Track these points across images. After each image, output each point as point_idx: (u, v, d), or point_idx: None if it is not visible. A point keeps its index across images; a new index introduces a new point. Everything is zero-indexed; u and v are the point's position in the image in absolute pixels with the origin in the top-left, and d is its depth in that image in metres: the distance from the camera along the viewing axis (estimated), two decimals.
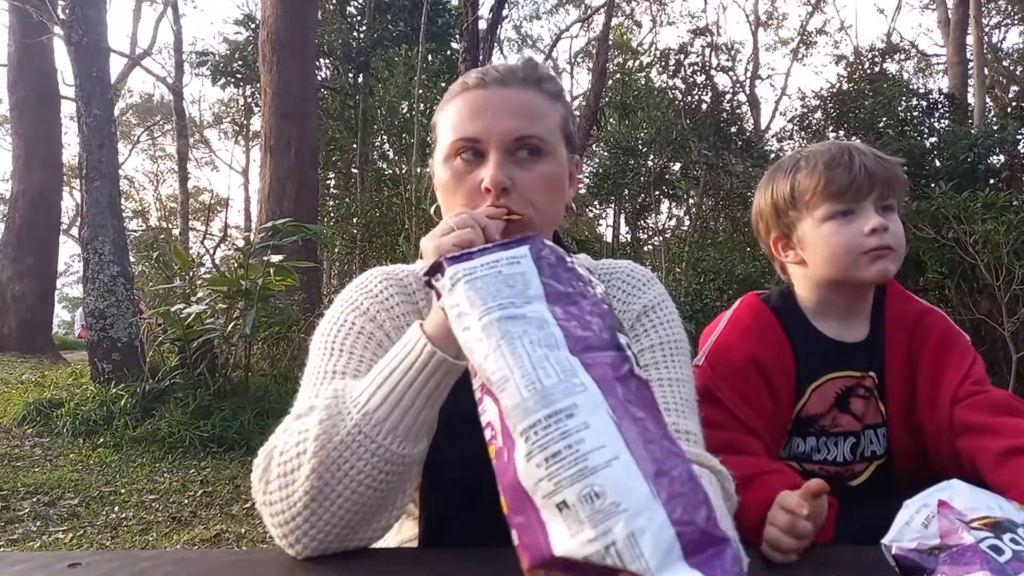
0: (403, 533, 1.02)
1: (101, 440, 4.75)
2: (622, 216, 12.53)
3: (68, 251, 23.53)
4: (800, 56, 20.85)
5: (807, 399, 1.16)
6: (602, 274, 0.99)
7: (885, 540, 0.75)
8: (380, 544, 1.01)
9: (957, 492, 0.76)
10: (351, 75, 12.52)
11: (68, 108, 14.32)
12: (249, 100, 14.63)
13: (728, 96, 11.48)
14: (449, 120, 0.89)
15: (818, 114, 9.90)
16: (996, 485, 0.94)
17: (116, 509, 3.58)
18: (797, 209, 1.14)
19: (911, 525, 0.74)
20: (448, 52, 12.13)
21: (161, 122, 25.32)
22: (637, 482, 0.42)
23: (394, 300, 0.94)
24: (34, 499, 3.67)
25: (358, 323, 0.90)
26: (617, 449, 0.43)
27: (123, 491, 3.85)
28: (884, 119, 8.73)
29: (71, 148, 13.97)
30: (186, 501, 3.74)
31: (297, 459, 0.73)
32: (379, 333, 0.91)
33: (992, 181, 7.35)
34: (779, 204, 1.16)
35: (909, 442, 1.16)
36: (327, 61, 12.68)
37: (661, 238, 12.58)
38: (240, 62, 12.85)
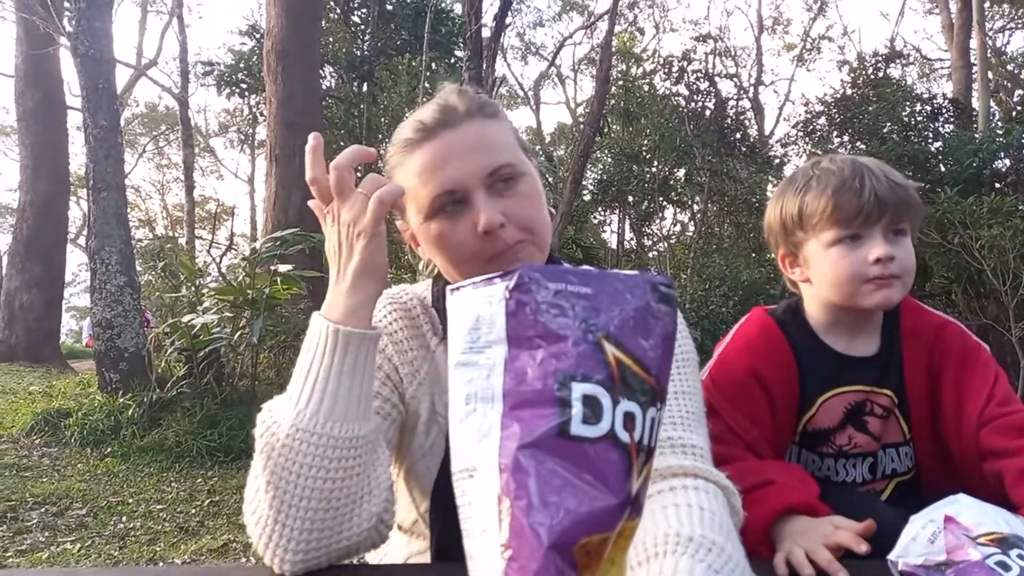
0: (411, 547, 1.03)
1: (109, 450, 4.77)
2: (627, 223, 12.52)
3: (75, 260, 23.66)
4: (804, 61, 20.84)
5: (815, 412, 1.15)
6: None
7: (891, 556, 0.75)
8: (388, 559, 1.02)
9: (964, 507, 0.75)
10: (355, 84, 12.57)
11: (75, 118, 14.41)
12: (254, 109, 14.68)
13: (732, 102, 11.48)
14: (413, 179, 0.87)
15: (822, 120, 9.89)
16: (1015, 502, 0.94)
17: (124, 519, 3.59)
18: (804, 230, 1.12)
19: (917, 540, 0.74)
20: (452, 60, 12.18)
21: (167, 132, 25.45)
22: (495, 560, 0.45)
23: (397, 326, 0.94)
24: (42, 509, 3.68)
25: None
26: (488, 523, 0.46)
27: (130, 501, 3.86)
28: (888, 124, 8.71)
29: (78, 158, 14.04)
30: (193, 511, 3.75)
31: (255, 481, 0.75)
32: (386, 365, 0.92)
33: (998, 185, 7.33)
34: (787, 223, 1.15)
35: (938, 460, 1.15)
36: (331, 70, 12.73)
37: (666, 244, 12.57)
38: (245, 72, 12.92)
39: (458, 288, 0.52)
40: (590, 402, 0.46)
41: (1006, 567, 0.68)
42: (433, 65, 11.14)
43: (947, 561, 0.71)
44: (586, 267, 0.51)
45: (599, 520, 0.45)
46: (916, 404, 1.14)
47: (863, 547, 0.79)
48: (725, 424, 1.08)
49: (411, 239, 0.96)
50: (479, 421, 0.48)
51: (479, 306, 0.50)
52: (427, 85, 8.87)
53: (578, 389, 0.46)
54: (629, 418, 0.47)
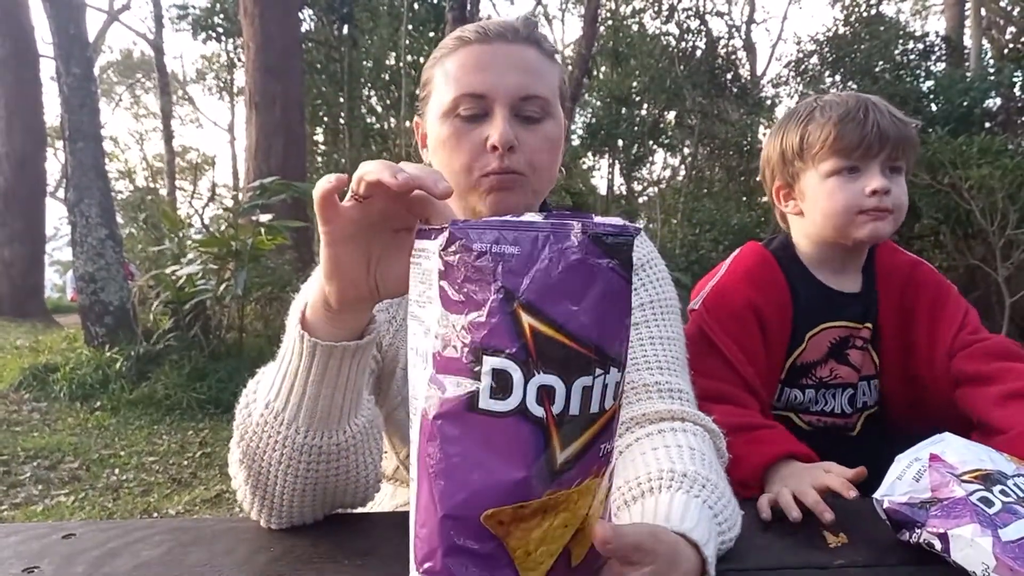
0: (398, 497, 1.02)
1: (98, 403, 4.78)
2: (616, 167, 12.39)
3: (56, 214, 23.30)
4: None
5: (804, 347, 1.17)
6: None
7: (876, 494, 0.75)
8: (375, 508, 1.02)
9: (949, 445, 0.75)
10: (335, 26, 12.18)
11: (48, 68, 13.96)
12: (232, 55, 14.25)
13: (723, 41, 11.22)
14: (449, 74, 0.85)
15: (814, 59, 9.71)
16: (995, 425, 0.96)
17: (116, 471, 3.62)
18: (804, 160, 1.13)
19: (903, 479, 0.74)
20: (435, 0, 11.80)
21: (143, 80, 24.73)
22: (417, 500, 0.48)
23: None
24: (35, 463, 3.70)
25: None
26: (414, 475, 0.48)
27: (122, 454, 3.88)
28: (881, 63, 8.57)
29: (53, 109, 13.63)
30: (185, 462, 3.78)
31: (235, 450, 0.72)
32: None
33: (988, 125, 7.27)
34: (787, 153, 1.15)
35: (904, 393, 1.18)
36: (311, 13, 12.31)
37: (656, 189, 12.48)
38: (221, 15, 12.47)
39: (420, 231, 0.50)
40: (499, 376, 0.45)
41: (989, 503, 0.68)
42: (416, 6, 10.80)
43: (932, 499, 0.71)
44: (526, 218, 0.47)
45: (501, 493, 0.44)
46: (887, 338, 1.17)
47: (852, 493, 0.80)
48: (721, 358, 1.08)
49: (421, 137, 0.94)
50: (415, 380, 0.49)
51: (428, 257, 0.48)
52: (409, 27, 8.61)
53: (488, 363, 0.45)
54: (545, 391, 0.45)
